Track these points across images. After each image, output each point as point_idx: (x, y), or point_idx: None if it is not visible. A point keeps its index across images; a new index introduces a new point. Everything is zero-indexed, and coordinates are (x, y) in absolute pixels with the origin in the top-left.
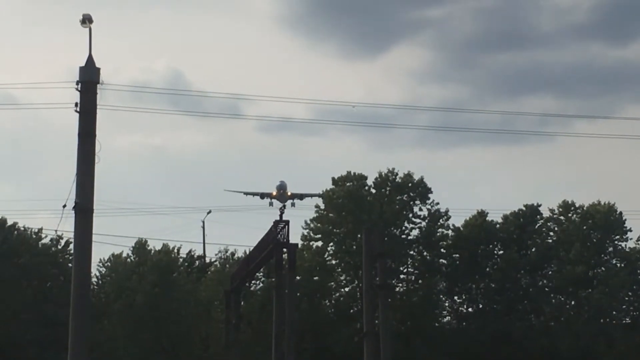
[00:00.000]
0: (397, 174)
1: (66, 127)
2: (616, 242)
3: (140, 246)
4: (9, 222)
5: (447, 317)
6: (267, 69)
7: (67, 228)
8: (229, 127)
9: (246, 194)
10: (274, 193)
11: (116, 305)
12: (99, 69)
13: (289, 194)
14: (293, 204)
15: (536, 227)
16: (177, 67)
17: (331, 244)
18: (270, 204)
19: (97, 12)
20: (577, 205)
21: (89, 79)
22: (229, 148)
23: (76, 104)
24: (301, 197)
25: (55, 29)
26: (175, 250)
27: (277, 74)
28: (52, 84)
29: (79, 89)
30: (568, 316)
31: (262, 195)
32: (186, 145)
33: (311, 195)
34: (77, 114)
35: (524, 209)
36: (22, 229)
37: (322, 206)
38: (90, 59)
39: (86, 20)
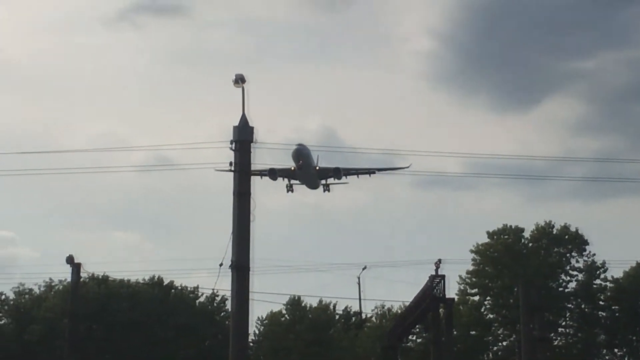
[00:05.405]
0: (553, 226)
1: (221, 186)
2: None
3: (294, 303)
4: (166, 281)
5: None
6: (419, 124)
7: (223, 286)
8: (383, 183)
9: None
10: (293, 168)
11: None
12: (252, 128)
13: (317, 168)
14: (327, 188)
15: None
16: (329, 125)
17: (488, 297)
18: (290, 188)
19: (247, 72)
20: None
21: (243, 138)
22: (384, 203)
23: (231, 163)
24: (338, 172)
25: (208, 89)
26: (332, 307)
27: (429, 129)
28: (206, 144)
29: (234, 148)
30: None
31: (273, 174)
32: (340, 201)
33: (357, 172)
34: (232, 173)
35: None
36: (179, 287)
37: (478, 259)
38: (244, 118)
39: (239, 80)
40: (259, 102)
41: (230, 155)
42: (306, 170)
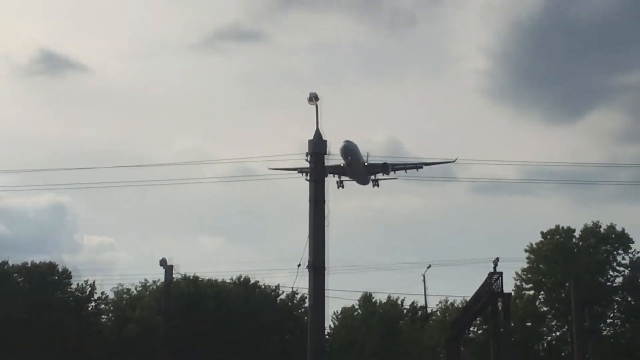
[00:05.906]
0: (600, 226)
1: (299, 194)
2: None
3: (366, 299)
4: (251, 281)
5: None
6: (477, 136)
7: (301, 285)
8: (444, 190)
9: (301, 171)
10: (342, 164)
11: (348, 357)
12: (325, 141)
13: (365, 164)
14: (376, 184)
15: None
16: (395, 137)
17: (542, 292)
18: (340, 184)
19: (320, 90)
20: None
21: (317, 150)
22: (446, 208)
23: (307, 173)
24: (385, 167)
25: (285, 107)
26: (400, 302)
27: (487, 140)
28: (284, 156)
29: (309, 159)
30: None
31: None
32: (405, 206)
33: (404, 167)
34: (308, 183)
35: None
36: (262, 286)
37: (532, 257)
38: (318, 133)
39: (313, 98)
40: (331, 118)
41: (305, 166)
42: (355, 166)
